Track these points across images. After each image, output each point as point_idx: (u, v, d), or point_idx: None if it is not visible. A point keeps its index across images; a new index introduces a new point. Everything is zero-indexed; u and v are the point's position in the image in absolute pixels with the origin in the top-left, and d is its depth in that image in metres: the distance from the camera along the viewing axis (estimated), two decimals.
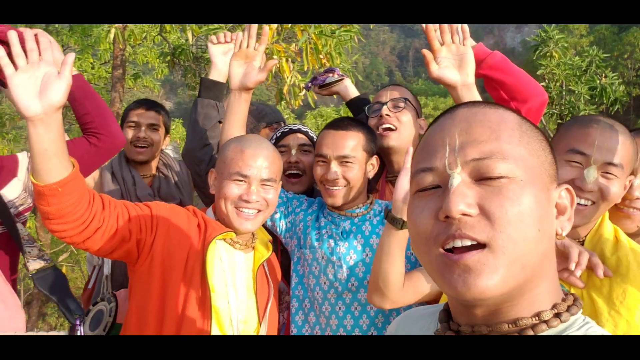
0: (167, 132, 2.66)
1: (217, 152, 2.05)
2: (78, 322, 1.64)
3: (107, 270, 2.26)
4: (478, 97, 1.65)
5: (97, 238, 1.47)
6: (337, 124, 1.88)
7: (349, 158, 1.81)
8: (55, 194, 1.33)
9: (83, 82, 2.00)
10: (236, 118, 1.89)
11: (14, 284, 1.88)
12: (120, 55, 5.84)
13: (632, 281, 1.26)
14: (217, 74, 2.14)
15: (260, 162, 1.66)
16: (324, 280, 1.79)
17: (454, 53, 1.67)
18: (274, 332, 1.79)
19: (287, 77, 4.28)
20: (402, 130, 1.99)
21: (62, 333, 1.69)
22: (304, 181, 2.20)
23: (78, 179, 1.37)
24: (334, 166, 1.81)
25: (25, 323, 1.63)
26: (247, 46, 1.89)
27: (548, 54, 7.07)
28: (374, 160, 1.90)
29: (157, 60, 8.31)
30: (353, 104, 2.42)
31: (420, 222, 0.72)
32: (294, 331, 1.82)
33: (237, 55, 1.90)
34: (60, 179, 1.32)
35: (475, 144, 0.71)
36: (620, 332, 1.22)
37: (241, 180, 1.66)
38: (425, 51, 1.68)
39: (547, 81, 7.46)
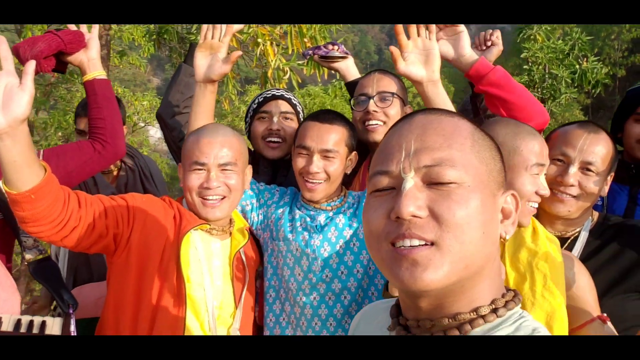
0: (123, 123, 2.78)
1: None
2: (71, 311, 1.71)
3: (62, 257, 2.36)
4: (443, 94, 1.67)
5: (75, 236, 1.49)
6: (322, 117, 1.85)
7: (332, 152, 1.81)
8: (28, 201, 1.33)
9: (109, 89, 2.04)
10: (202, 110, 1.87)
11: (9, 269, 1.95)
12: (105, 36, 5.79)
13: (551, 268, 1.39)
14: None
15: (217, 148, 1.67)
16: (298, 271, 1.80)
17: (420, 48, 1.66)
18: (250, 318, 1.85)
19: (272, 61, 4.32)
20: (390, 124, 1.94)
21: (49, 318, 1.74)
22: (283, 147, 2.17)
23: (51, 184, 1.37)
24: (317, 159, 1.80)
25: (20, 305, 1.70)
26: (212, 37, 1.86)
27: (532, 36, 7.14)
28: (353, 155, 1.90)
29: (143, 38, 8.23)
30: (352, 85, 2.35)
31: (373, 221, 0.78)
32: (272, 320, 1.85)
33: (202, 46, 1.86)
34: (33, 186, 1.32)
35: (429, 151, 0.76)
36: (544, 315, 1.34)
37: (200, 169, 1.67)
38: (393, 48, 1.67)
39: (530, 64, 7.54)
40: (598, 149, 1.64)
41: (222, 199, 1.70)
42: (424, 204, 0.74)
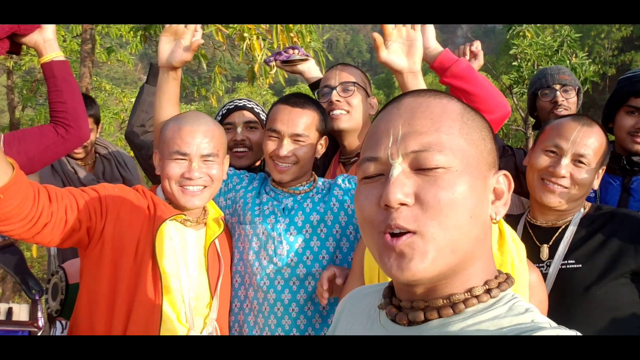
0: (97, 122, 2.88)
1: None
2: (37, 297, 1.68)
3: (53, 250, 2.36)
4: (423, 85, 1.67)
5: (47, 232, 1.46)
6: (293, 101, 1.86)
7: (302, 137, 1.82)
8: None
9: (68, 71, 1.99)
10: (166, 97, 1.84)
11: None
12: (90, 30, 5.73)
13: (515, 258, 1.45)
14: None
15: (199, 138, 1.65)
16: (263, 255, 1.80)
17: (404, 38, 1.66)
18: (226, 307, 1.83)
19: (258, 55, 4.28)
20: (353, 113, 2.03)
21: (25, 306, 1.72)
22: (249, 155, 2.21)
23: (19, 182, 1.33)
24: (287, 143, 1.81)
25: None
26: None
27: (521, 33, 7.14)
28: (324, 140, 1.92)
29: (130, 34, 8.16)
30: (315, 86, 2.41)
31: (365, 209, 0.78)
32: (236, 305, 1.85)
33: (167, 31, 1.82)
34: (1, 186, 1.28)
35: (416, 135, 0.75)
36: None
37: (181, 159, 1.65)
38: (376, 35, 1.67)
39: (519, 61, 7.54)
40: (591, 141, 1.66)
41: (203, 188, 1.68)
42: (411, 190, 0.73)
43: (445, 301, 0.76)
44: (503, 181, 0.80)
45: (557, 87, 2.52)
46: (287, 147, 1.81)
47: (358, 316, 0.93)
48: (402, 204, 0.72)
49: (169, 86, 1.85)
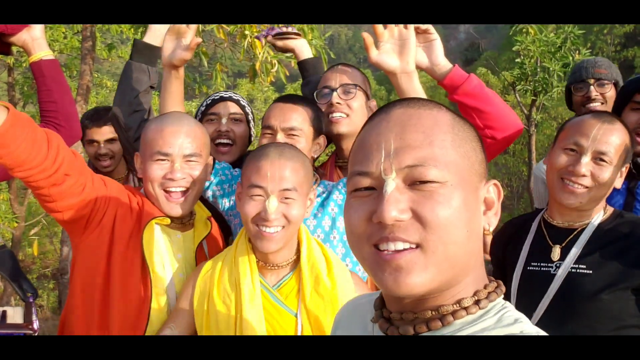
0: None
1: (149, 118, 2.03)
2: (32, 300, 1.66)
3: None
4: (418, 86, 1.62)
5: (66, 188, 1.45)
6: (287, 98, 1.86)
7: (295, 130, 1.80)
8: None
9: (57, 70, 1.97)
10: (170, 96, 1.84)
11: None
12: (90, 27, 5.69)
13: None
14: (152, 36, 2.04)
15: (182, 138, 1.62)
16: None
17: (396, 37, 1.62)
18: None
19: (259, 54, 4.24)
20: (353, 117, 1.99)
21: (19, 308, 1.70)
22: (233, 151, 2.18)
23: (17, 125, 1.30)
24: (280, 138, 1.79)
25: None
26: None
27: (524, 29, 7.09)
28: (321, 140, 1.89)
29: (131, 30, 8.12)
30: (304, 65, 2.41)
31: (354, 222, 0.77)
32: None
33: (170, 30, 1.83)
34: None
35: (409, 150, 0.74)
36: None
37: (163, 160, 1.62)
38: (365, 35, 1.63)
39: (522, 57, 7.49)
40: (612, 139, 1.60)
41: (185, 191, 1.65)
42: (406, 206, 0.72)
43: (433, 313, 0.76)
44: (493, 191, 0.80)
45: (592, 81, 2.48)
46: (280, 140, 1.77)
47: (354, 328, 0.93)
48: (398, 221, 0.72)
49: (172, 85, 1.84)
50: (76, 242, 1.63)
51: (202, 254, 1.78)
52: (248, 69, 4.90)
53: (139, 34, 6.70)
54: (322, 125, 1.90)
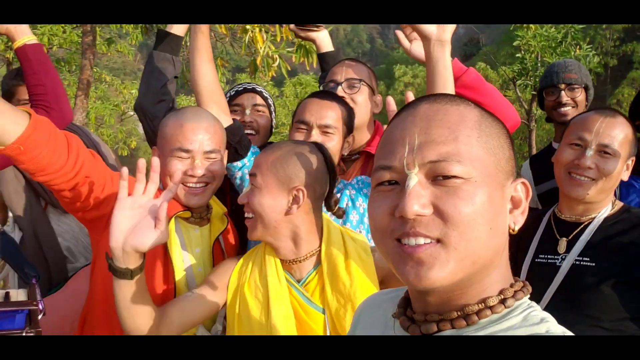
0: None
1: (172, 107, 2.03)
2: (35, 281, 1.66)
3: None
4: (448, 60, 1.60)
5: (85, 189, 1.45)
6: (323, 95, 1.84)
7: (331, 128, 1.78)
8: (20, 153, 1.28)
9: (42, 53, 1.97)
10: (198, 54, 1.82)
11: None
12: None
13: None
14: (176, 27, 2.05)
15: (202, 134, 1.62)
16: None
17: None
18: None
19: (261, 48, 4.24)
20: (358, 110, 1.98)
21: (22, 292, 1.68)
22: (256, 141, 2.18)
23: (38, 131, 1.29)
24: (315, 134, 1.77)
25: None
26: None
27: (524, 25, 7.08)
28: (351, 138, 1.89)
29: (131, 25, 8.10)
30: (325, 57, 2.41)
31: (377, 217, 0.77)
32: None
33: None
34: (18, 137, 1.25)
35: (434, 145, 0.73)
36: None
37: (184, 156, 1.63)
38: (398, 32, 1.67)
39: (523, 52, 7.49)
40: (615, 132, 1.65)
41: (205, 185, 1.66)
42: (428, 201, 0.72)
43: (458, 313, 0.75)
44: (521, 189, 0.79)
45: (562, 86, 2.51)
46: (316, 138, 1.75)
47: (375, 324, 0.93)
48: (419, 215, 0.71)
49: (198, 41, 1.82)
50: (97, 239, 1.62)
51: (218, 249, 1.77)
52: (248, 63, 4.90)
53: (139, 28, 6.68)
54: (353, 124, 1.89)
